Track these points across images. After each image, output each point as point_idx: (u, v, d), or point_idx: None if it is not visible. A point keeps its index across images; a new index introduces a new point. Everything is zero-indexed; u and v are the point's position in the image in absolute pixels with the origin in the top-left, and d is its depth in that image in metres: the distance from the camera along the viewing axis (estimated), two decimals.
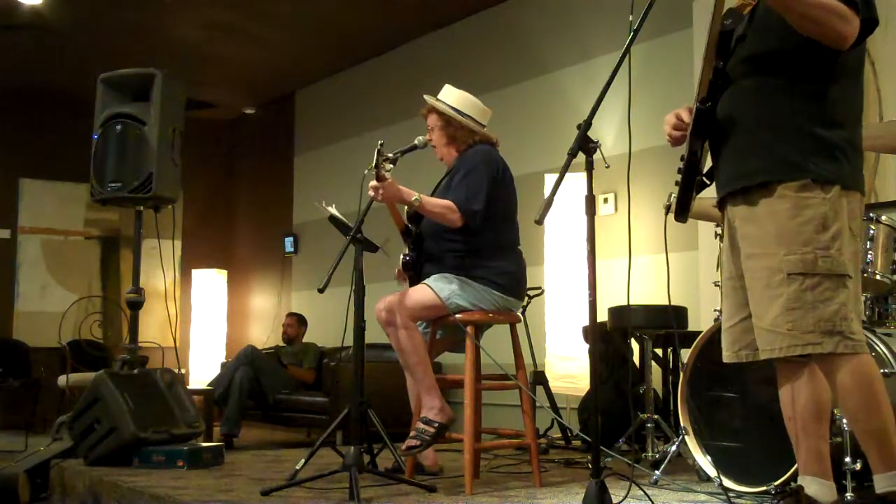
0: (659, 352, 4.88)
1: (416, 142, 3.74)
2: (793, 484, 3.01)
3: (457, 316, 3.52)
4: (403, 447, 3.48)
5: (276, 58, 8.18)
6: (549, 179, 5.57)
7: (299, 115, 9.22)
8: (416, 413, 3.61)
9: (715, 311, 3.58)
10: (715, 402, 3.40)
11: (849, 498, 2.91)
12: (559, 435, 5.23)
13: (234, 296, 9.39)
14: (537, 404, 4.56)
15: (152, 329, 6.99)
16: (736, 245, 2.60)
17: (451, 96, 3.81)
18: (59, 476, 4.22)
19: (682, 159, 2.62)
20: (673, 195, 2.73)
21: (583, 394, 5.26)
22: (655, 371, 4.62)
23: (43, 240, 9.14)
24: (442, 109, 3.76)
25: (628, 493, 2.83)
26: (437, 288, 3.54)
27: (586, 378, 5.19)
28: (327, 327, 7.18)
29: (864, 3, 2.41)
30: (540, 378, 5.29)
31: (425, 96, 3.83)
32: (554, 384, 5.37)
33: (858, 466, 2.93)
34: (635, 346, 4.83)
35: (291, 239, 8.97)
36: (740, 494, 3.20)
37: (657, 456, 3.98)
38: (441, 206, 3.57)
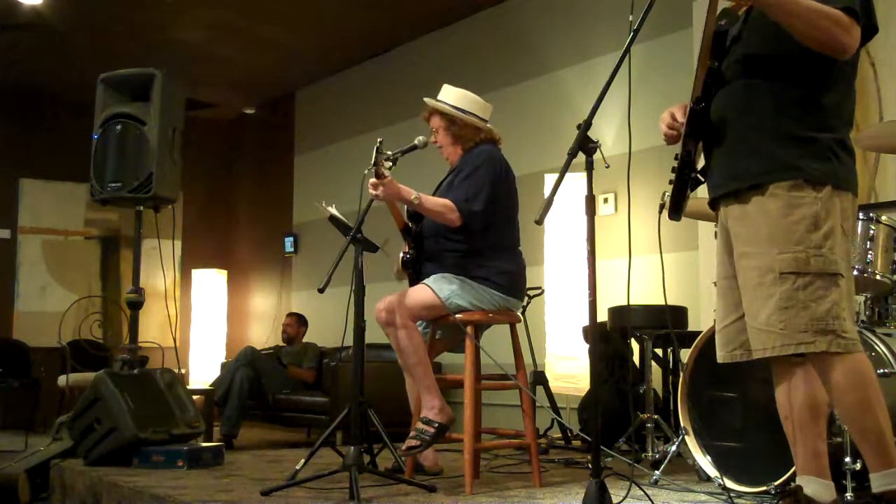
0: (659, 352, 4.88)
1: (416, 142, 3.74)
2: (792, 484, 3.01)
3: (457, 316, 3.52)
4: (403, 447, 3.48)
5: (276, 58, 8.18)
6: (549, 179, 5.57)
7: (299, 115, 9.22)
8: (416, 413, 3.61)
9: (715, 310, 3.57)
10: (715, 402, 3.40)
11: (848, 498, 2.91)
12: (559, 435, 5.23)
13: (234, 296, 9.40)
14: (537, 404, 4.56)
15: (152, 329, 6.99)
16: (729, 245, 2.60)
17: (451, 95, 3.81)
18: (59, 476, 4.22)
19: (676, 158, 2.63)
20: (667, 194, 2.74)
21: (583, 394, 5.26)
22: (655, 371, 4.62)
23: (43, 240, 9.14)
24: (444, 110, 3.76)
25: (628, 493, 2.83)
26: (437, 288, 3.54)
27: (586, 378, 5.19)
28: (327, 327, 7.18)
29: (864, 11, 2.41)
30: (540, 378, 5.29)
31: (425, 99, 3.83)
32: (554, 384, 5.37)
33: (858, 466, 2.92)
34: (635, 346, 4.83)
35: (291, 239, 8.97)
36: (740, 494, 3.20)
37: (657, 456, 3.98)
38: (440, 205, 3.57)
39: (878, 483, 2.41)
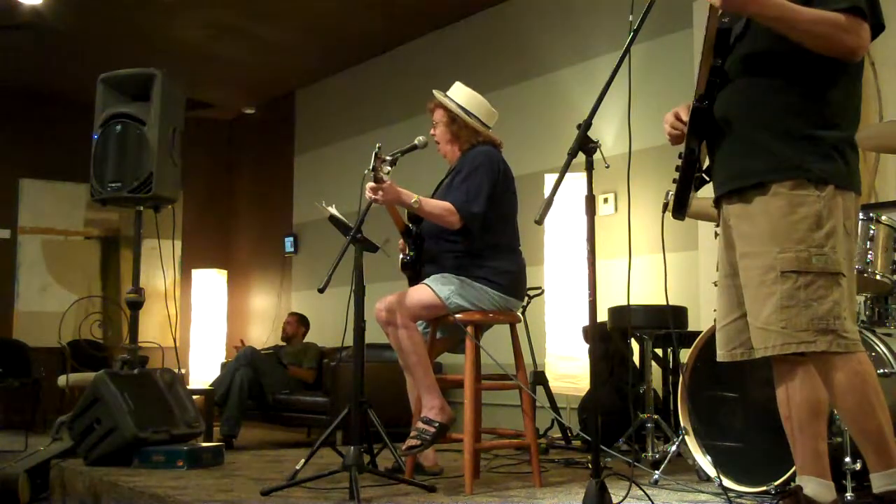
0: (659, 352, 4.88)
1: (415, 142, 3.74)
2: (792, 484, 3.01)
3: (457, 316, 3.52)
4: (404, 447, 3.48)
5: (276, 58, 8.18)
6: (549, 179, 5.57)
7: (299, 115, 9.22)
8: (416, 413, 3.61)
9: (715, 311, 3.57)
10: (715, 402, 3.40)
11: (848, 498, 2.91)
12: (559, 435, 5.23)
13: (234, 296, 9.40)
14: (537, 404, 4.56)
15: (152, 329, 6.98)
16: (731, 243, 2.60)
17: (461, 94, 3.80)
18: (59, 476, 4.22)
19: (680, 157, 2.62)
20: (671, 193, 2.73)
21: (583, 394, 5.26)
22: (655, 371, 4.62)
23: (43, 240, 9.14)
24: (449, 106, 3.76)
25: (628, 493, 2.83)
26: (437, 288, 3.54)
27: (586, 378, 5.18)
28: (327, 327, 7.19)
29: (871, 9, 2.39)
30: (540, 378, 5.29)
31: (434, 91, 3.82)
32: (554, 384, 5.37)
33: (858, 466, 2.93)
34: (635, 346, 4.83)
35: (291, 239, 8.97)
36: (740, 494, 3.20)
37: (657, 456, 3.98)
38: (440, 207, 3.56)
39: (878, 483, 2.41)
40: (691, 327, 4.65)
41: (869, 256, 3.35)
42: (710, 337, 3.42)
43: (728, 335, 2.63)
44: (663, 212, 2.98)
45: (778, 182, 2.43)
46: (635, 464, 3.62)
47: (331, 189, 7.80)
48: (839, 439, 2.96)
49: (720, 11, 2.44)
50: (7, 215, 8.94)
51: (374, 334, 3.73)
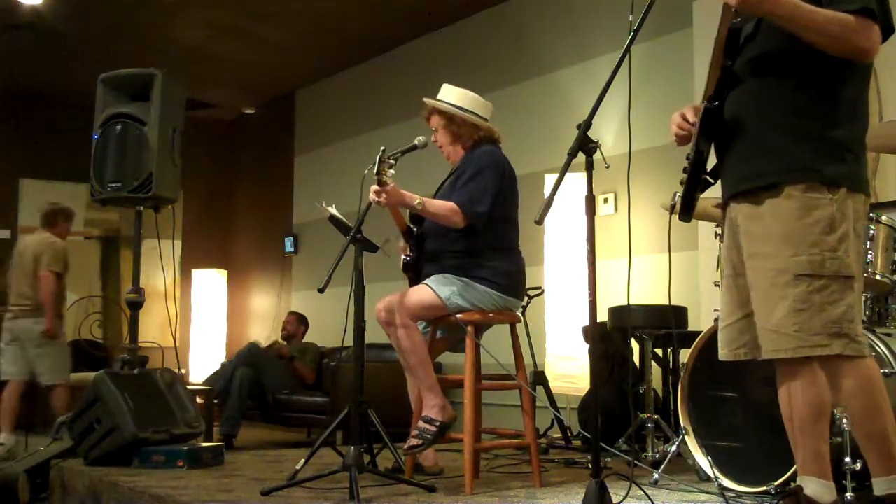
0: (659, 352, 4.88)
1: (416, 142, 3.73)
2: (793, 484, 3.01)
3: (457, 316, 3.52)
4: (406, 446, 3.48)
5: (276, 58, 8.18)
6: (549, 179, 5.57)
7: (299, 115, 9.22)
8: (417, 413, 3.61)
9: (715, 311, 3.56)
10: (715, 402, 3.40)
11: (849, 498, 2.91)
12: (559, 435, 5.23)
13: (234, 296, 9.40)
14: (537, 404, 4.56)
15: (152, 329, 6.98)
16: (737, 242, 2.58)
17: (451, 94, 3.81)
18: (59, 476, 4.22)
19: (687, 158, 2.61)
20: (678, 194, 2.72)
21: (583, 394, 5.26)
22: (655, 371, 4.62)
23: None
24: (443, 108, 3.76)
25: (628, 493, 2.83)
26: (437, 288, 3.54)
27: (586, 378, 5.18)
28: (327, 327, 7.18)
29: (881, 11, 2.38)
30: (540, 378, 5.29)
31: (424, 99, 3.83)
32: (554, 384, 5.37)
33: (858, 466, 2.92)
34: (635, 346, 4.83)
35: (291, 239, 8.97)
36: (740, 494, 3.20)
37: (657, 456, 3.98)
38: (444, 208, 3.56)
39: (881, 488, 2.40)
40: (691, 327, 4.65)
41: (869, 256, 3.35)
42: (710, 337, 3.42)
43: (731, 335, 2.62)
44: (671, 213, 2.96)
45: (791, 184, 2.41)
46: (636, 463, 3.61)
47: (331, 189, 7.79)
48: (839, 439, 2.96)
49: (733, 10, 2.41)
50: (7, 215, 8.94)
51: (374, 334, 3.73)
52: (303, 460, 3.56)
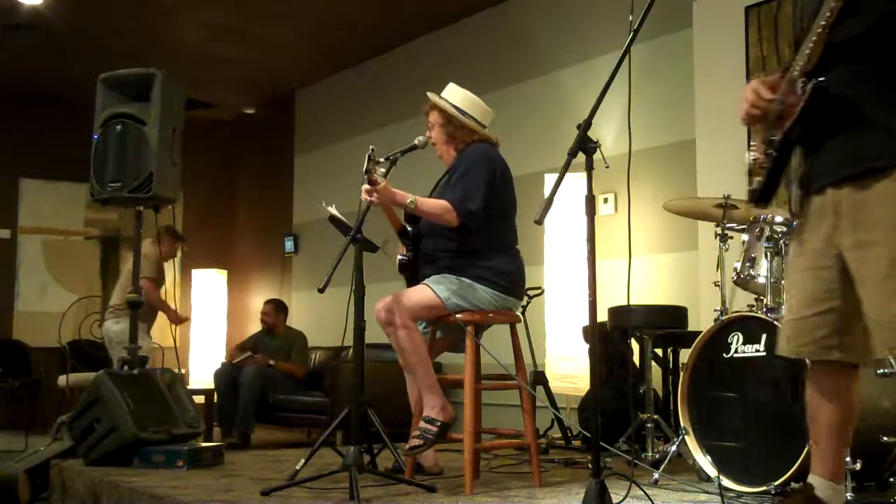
0: (659, 352, 4.88)
1: (415, 142, 3.73)
2: (793, 484, 3.01)
3: (457, 316, 3.52)
4: (407, 447, 3.48)
5: (276, 58, 8.18)
6: (549, 179, 5.57)
7: (299, 115, 9.22)
8: (417, 413, 3.61)
9: (715, 311, 3.58)
10: (715, 402, 3.40)
11: (848, 498, 2.91)
12: (559, 435, 5.23)
13: (234, 296, 9.40)
14: (537, 404, 4.56)
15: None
16: (826, 232, 2.39)
17: (455, 95, 3.80)
18: (59, 476, 4.22)
19: (768, 143, 2.44)
20: (758, 180, 2.61)
21: (583, 394, 5.26)
22: (655, 371, 4.62)
23: (43, 240, 9.14)
24: (443, 107, 3.75)
25: (628, 493, 2.83)
26: (437, 288, 3.54)
27: (586, 378, 5.19)
28: (327, 327, 7.18)
29: None
30: (540, 378, 5.29)
31: (428, 93, 3.82)
32: (554, 384, 5.37)
33: (858, 466, 2.93)
34: (635, 346, 4.83)
35: (291, 239, 8.97)
36: (740, 494, 3.20)
37: (657, 456, 3.98)
38: (437, 206, 3.55)
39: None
40: (691, 327, 4.65)
41: None
42: (710, 337, 3.42)
43: (802, 328, 2.41)
44: (751, 200, 2.86)
45: None
46: (636, 462, 3.61)
47: (331, 189, 7.80)
48: None
49: None
50: (7, 215, 8.94)
51: (374, 334, 3.73)
52: (303, 460, 3.56)
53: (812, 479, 2.48)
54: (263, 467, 4.35)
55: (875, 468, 3.15)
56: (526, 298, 5.12)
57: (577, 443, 5.09)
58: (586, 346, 5.18)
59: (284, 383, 6.74)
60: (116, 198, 4.60)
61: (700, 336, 3.48)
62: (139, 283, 4.69)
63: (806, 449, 2.96)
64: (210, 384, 6.83)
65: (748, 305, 3.53)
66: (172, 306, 6.20)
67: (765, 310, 3.35)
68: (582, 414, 5.18)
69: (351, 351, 3.70)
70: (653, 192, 5.40)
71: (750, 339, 3.28)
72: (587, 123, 2.64)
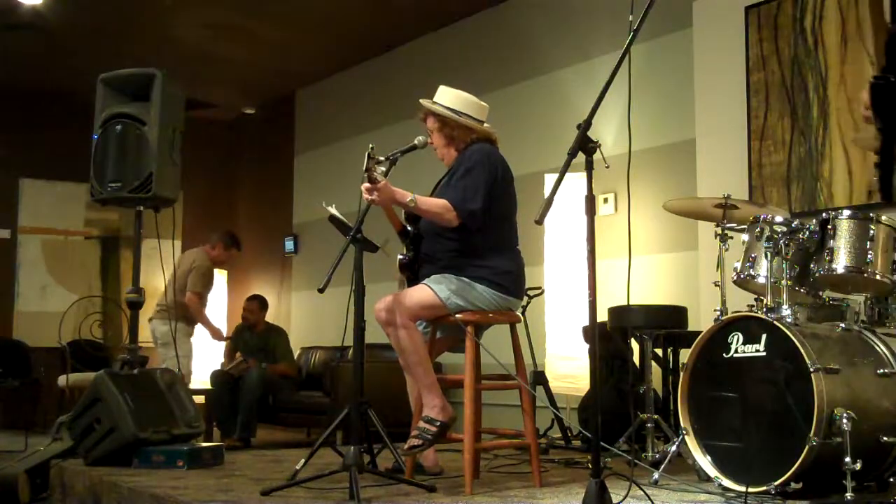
0: (659, 352, 4.88)
1: (415, 142, 3.73)
2: (793, 484, 3.01)
3: (457, 316, 3.52)
4: (406, 446, 3.48)
5: (276, 58, 8.18)
6: (549, 179, 5.57)
7: (299, 115, 9.22)
8: (417, 413, 3.61)
9: (715, 311, 3.58)
10: (715, 402, 3.40)
11: (848, 498, 2.91)
12: (559, 435, 5.23)
13: (234, 296, 9.39)
14: (537, 404, 4.55)
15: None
16: None
17: (447, 97, 3.79)
18: (59, 476, 4.22)
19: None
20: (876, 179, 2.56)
21: (583, 394, 5.26)
22: (655, 371, 4.62)
23: (43, 240, 9.14)
24: (437, 111, 3.75)
25: (628, 493, 2.83)
26: (437, 288, 3.53)
27: (586, 378, 5.19)
28: (327, 327, 7.18)
29: None
30: (540, 378, 5.29)
31: (421, 101, 3.82)
32: (554, 384, 5.37)
33: (858, 466, 2.93)
34: (635, 346, 4.83)
35: (291, 239, 8.97)
36: (740, 494, 3.20)
37: (657, 456, 3.98)
38: (437, 206, 3.55)
39: None
40: (691, 327, 4.65)
41: (869, 256, 3.35)
42: (710, 337, 3.42)
43: None
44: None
45: None
46: (636, 461, 3.61)
47: (331, 189, 7.80)
48: (839, 439, 2.96)
49: None
50: (7, 215, 8.94)
51: (374, 334, 3.73)
52: (303, 460, 3.56)
53: None
54: (263, 467, 4.36)
55: (875, 468, 3.15)
56: (526, 298, 5.12)
57: (577, 443, 5.09)
58: (586, 346, 5.18)
59: (284, 384, 6.74)
60: (116, 198, 4.60)
61: (700, 336, 3.48)
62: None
63: (806, 449, 2.96)
64: (207, 385, 6.82)
65: (748, 305, 3.53)
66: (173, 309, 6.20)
67: (765, 310, 3.35)
68: (582, 414, 5.18)
69: (351, 351, 3.70)
70: (653, 192, 5.40)
71: (750, 339, 3.27)
72: (587, 123, 2.64)
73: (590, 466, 2.63)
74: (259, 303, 7.25)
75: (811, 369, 2.99)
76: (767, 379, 3.20)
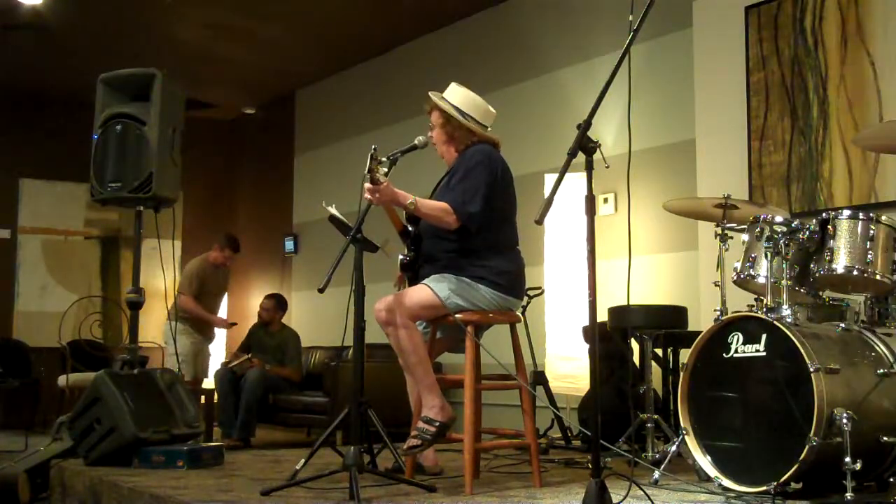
0: (659, 352, 4.88)
1: (416, 142, 3.73)
2: (793, 484, 3.01)
3: (456, 316, 3.52)
4: (405, 447, 3.48)
5: (276, 58, 8.19)
6: (549, 179, 5.57)
7: (299, 115, 9.22)
8: (417, 413, 3.61)
9: (715, 311, 3.58)
10: (715, 402, 3.40)
11: (848, 498, 2.91)
12: (559, 435, 5.23)
13: (234, 296, 9.39)
14: (537, 403, 4.55)
15: (152, 329, 6.99)
16: None
17: (457, 95, 3.78)
18: (59, 476, 4.22)
19: None
20: None
21: (583, 394, 5.26)
22: (655, 371, 4.62)
23: (43, 240, 9.15)
24: (444, 108, 3.75)
25: (628, 493, 2.83)
26: (437, 288, 3.53)
27: (586, 378, 5.19)
28: (327, 327, 7.18)
29: None
30: (540, 378, 5.29)
31: (430, 93, 3.81)
32: (554, 384, 5.37)
33: (858, 466, 2.93)
34: (635, 346, 4.83)
35: (291, 239, 8.97)
36: (740, 494, 3.20)
37: (657, 456, 3.98)
38: (437, 208, 3.55)
39: None
40: (691, 327, 4.65)
41: (869, 256, 3.35)
42: (710, 337, 3.42)
43: None
44: None
45: None
46: (637, 460, 3.61)
47: (331, 189, 7.80)
48: (839, 439, 2.96)
49: None
50: (7, 215, 8.95)
51: (374, 334, 3.73)
52: (303, 460, 3.56)
53: None
54: (263, 467, 4.36)
55: (875, 468, 3.15)
56: (526, 298, 5.12)
57: (577, 443, 5.09)
58: (586, 346, 5.18)
59: (284, 385, 6.73)
60: (116, 198, 4.60)
61: (700, 336, 3.48)
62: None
63: (806, 449, 2.96)
64: (210, 384, 6.82)
65: (748, 305, 3.53)
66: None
67: (765, 310, 3.35)
68: (582, 414, 5.18)
69: (351, 351, 3.70)
70: (653, 192, 5.40)
71: (750, 339, 3.27)
72: (587, 123, 2.64)
73: (590, 466, 2.63)
74: (276, 302, 7.17)
75: (811, 369, 2.99)
76: (767, 379, 3.20)
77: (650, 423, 4.23)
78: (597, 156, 2.67)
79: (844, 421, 2.94)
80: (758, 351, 3.24)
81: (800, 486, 2.99)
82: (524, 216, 3.57)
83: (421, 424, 3.48)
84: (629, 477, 2.84)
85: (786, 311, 3.24)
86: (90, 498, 3.86)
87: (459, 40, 7.24)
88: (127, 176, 4.50)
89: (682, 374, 3.51)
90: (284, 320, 7.28)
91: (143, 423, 4.18)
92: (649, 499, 2.81)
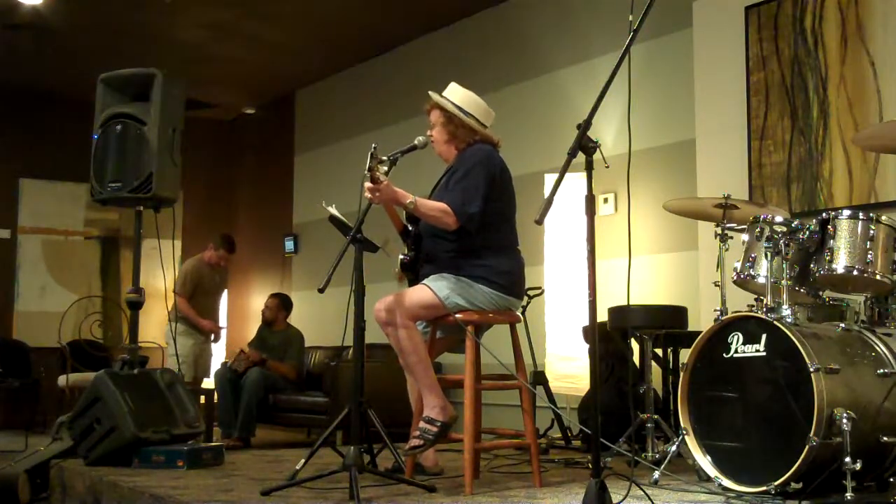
0: (659, 352, 4.88)
1: (415, 142, 3.73)
2: (793, 484, 3.01)
3: (456, 316, 3.52)
4: (407, 447, 3.48)
5: (276, 58, 8.18)
6: (549, 179, 5.57)
7: (299, 115, 9.22)
8: (417, 413, 3.61)
9: (715, 311, 3.58)
10: (715, 402, 3.40)
11: (848, 498, 2.91)
12: (559, 435, 5.23)
13: (234, 296, 9.39)
14: (538, 403, 4.55)
15: (152, 329, 6.99)
16: None
17: (457, 95, 3.79)
18: (59, 476, 4.22)
19: None
20: None
21: (583, 394, 5.26)
22: (655, 371, 4.62)
23: (43, 240, 9.14)
24: (445, 106, 3.75)
25: (628, 493, 2.83)
26: (436, 287, 3.53)
27: (586, 378, 5.19)
28: (327, 327, 7.18)
29: None
30: (540, 378, 5.29)
31: (430, 93, 3.81)
32: (554, 384, 5.37)
33: (858, 466, 2.93)
34: (635, 346, 4.83)
35: (291, 239, 8.97)
36: (740, 494, 3.20)
37: (657, 456, 3.98)
38: (436, 209, 3.54)
39: None
40: (691, 327, 4.65)
41: (869, 256, 3.35)
42: (710, 337, 3.42)
43: None
44: None
45: None
46: (637, 460, 3.61)
47: (331, 189, 7.79)
48: (839, 439, 2.96)
49: None
50: (7, 215, 8.95)
51: (374, 334, 3.73)
52: (303, 460, 3.56)
53: None
54: (263, 467, 4.36)
55: (875, 468, 3.15)
56: (526, 298, 5.12)
57: (577, 443, 5.09)
58: (586, 346, 5.18)
59: (285, 385, 6.73)
60: (116, 198, 4.60)
61: (700, 336, 3.48)
62: (137, 285, 4.72)
63: (806, 449, 2.96)
64: (210, 384, 6.82)
65: (748, 305, 3.53)
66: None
67: (765, 310, 3.35)
68: (582, 414, 5.18)
69: (351, 351, 3.70)
70: (653, 192, 5.40)
71: (750, 339, 3.27)
72: (587, 123, 2.64)
73: (590, 466, 2.63)
74: (280, 301, 7.16)
75: (811, 369, 3.00)
76: (767, 379, 3.20)
77: (650, 423, 4.23)
78: (597, 156, 2.67)
79: (844, 421, 2.94)
80: (758, 351, 3.25)
81: (800, 486, 3.00)
82: (524, 216, 3.56)
83: (423, 424, 3.48)
84: (629, 477, 2.84)
85: (786, 311, 3.24)
86: (90, 498, 3.86)
87: (459, 40, 7.24)
88: (127, 176, 4.50)
89: (682, 374, 3.51)
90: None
91: (143, 423, 4.18)
92: (649, 499, 2.81)
